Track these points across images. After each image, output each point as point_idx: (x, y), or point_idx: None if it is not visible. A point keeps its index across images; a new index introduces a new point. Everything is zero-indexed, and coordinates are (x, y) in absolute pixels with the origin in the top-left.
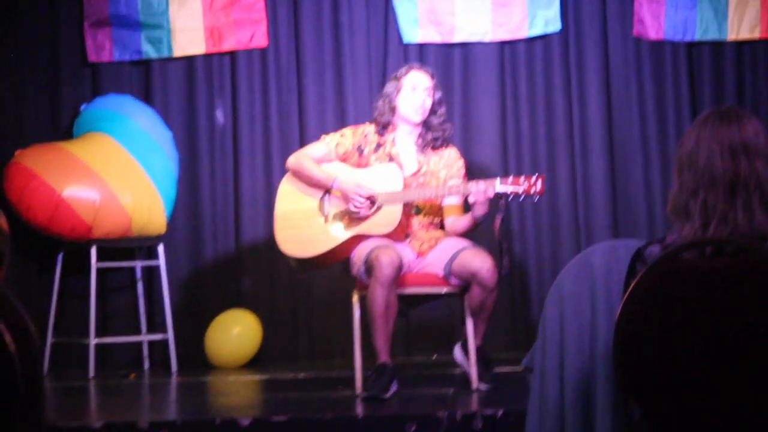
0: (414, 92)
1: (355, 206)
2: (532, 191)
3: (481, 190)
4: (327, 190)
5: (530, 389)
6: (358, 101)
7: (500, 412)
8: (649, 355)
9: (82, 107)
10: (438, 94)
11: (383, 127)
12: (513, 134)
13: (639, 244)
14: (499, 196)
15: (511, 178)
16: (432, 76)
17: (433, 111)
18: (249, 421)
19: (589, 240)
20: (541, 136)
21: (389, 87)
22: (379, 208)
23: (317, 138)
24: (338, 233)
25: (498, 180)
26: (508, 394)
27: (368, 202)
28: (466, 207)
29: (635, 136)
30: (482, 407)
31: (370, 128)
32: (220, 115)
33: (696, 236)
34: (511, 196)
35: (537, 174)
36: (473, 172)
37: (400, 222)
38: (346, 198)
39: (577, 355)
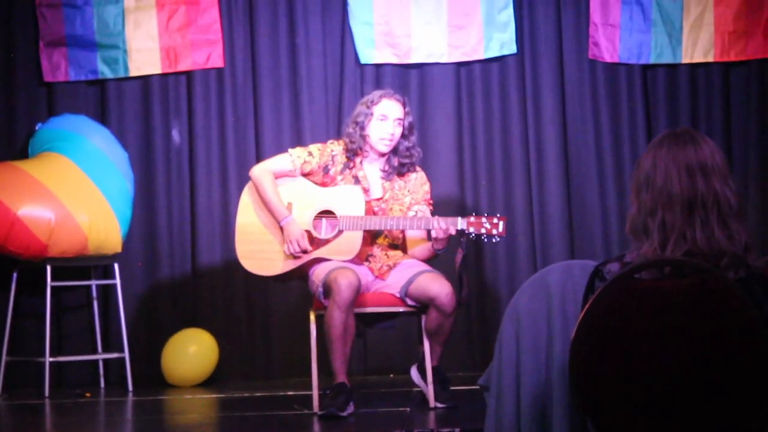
0: (383, 122)
1: (289, 250)
2: (493, 232)
3: (442, 228)
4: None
5: (487, 408)
6: (315, 121)
7: (457, 431)
8: (605, 373)
9: (38, 126)
10: (409, 120)
11: (353, 153)
12: (469, 155)
13: (595, 264)
14: (460, 234)
15: (473, 218)
16: (404, 104)
17: (403, 136)
18: None
19: (545, 260)
20: (497, 156)
21: (360, 114)
22: (340, 233)
23: (273, 156)
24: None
25: (459, 219)
26: (465, 413)
27: (306, 247)
28: (428, 234)
29: (590, 157)
30: (439, 426)
31: (338, 147)
32: (176, 135)
33: (655, 254)
34: (473, 236)
35: (499, 216)
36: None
37: (361, 247)
38: (286, 237)
39: (533, 373)
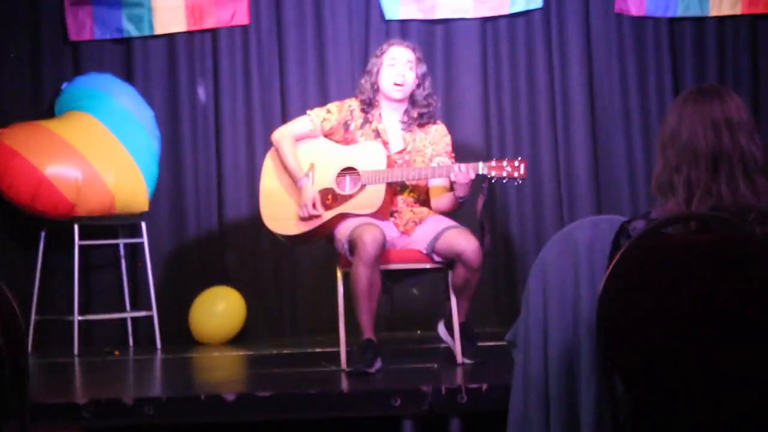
0: (393, 67)
1: (301, 213)
2: (515, 175)
3: (463, 173)
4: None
5: (514, 363)
6: (341, 78)
7: (484, 386)
8: (632, 329)
9: (64, 86)
10: (422, 68)
11: (368, 105)
12: (495, 110)
13: (622, 219)
14: (481, 179)
15: (494, 162)
16: (414, 50)
17: (417, 85)
18: (234, 396)
19: (572, 215)
20: (523, 112)
21: (371, 64)
22: (362, 187)
23: (299, 116)
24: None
25: (480, 163)
26: (493, 369)
27: (315, 212)
28: (452, 185)
29: (617, 112)
30: (466, 381)
31: (355, 103)
32: (202, 93)
33: (680, 211)
34: (494, 179)
35: (520, 158)
36: (456, 148)
37: (383, 201)
38: (301, 200)
39: (560, 329)
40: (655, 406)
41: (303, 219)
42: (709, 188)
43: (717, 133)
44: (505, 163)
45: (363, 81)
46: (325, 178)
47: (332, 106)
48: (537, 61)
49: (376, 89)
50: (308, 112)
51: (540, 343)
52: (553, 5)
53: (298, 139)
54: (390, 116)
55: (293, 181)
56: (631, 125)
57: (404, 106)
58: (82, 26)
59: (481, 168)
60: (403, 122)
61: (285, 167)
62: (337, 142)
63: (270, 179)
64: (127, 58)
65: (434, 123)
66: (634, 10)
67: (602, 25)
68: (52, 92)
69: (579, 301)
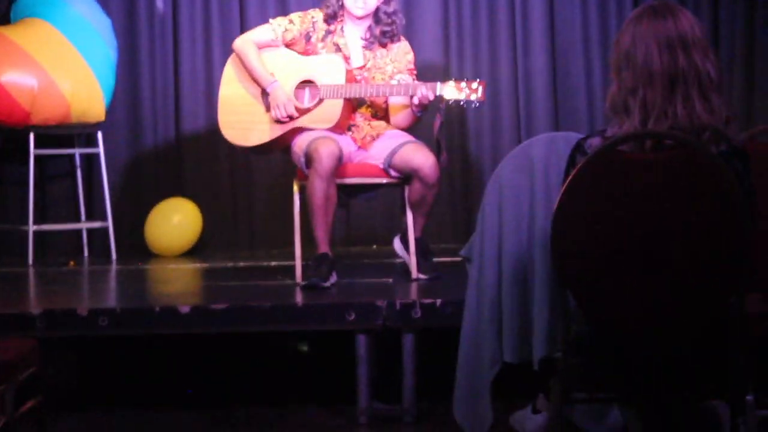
0: None
1: (276, 115)
2: (473, 98)
3: (421, 94)
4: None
5: (468, 279)
6: None
7: (439, 301)
8: (586, 244)
9: None
10: None
11: (331, 17)
12: (455, 29)
13: (579, 136)
14: (439, 100)
15: (452, 83)
16: None
17: (383, 2)
18: (188, 308)
19: (530, 134)
20: (483, 31)
21: None
22: (321, 101)
23: (257, 25)
24: (278, 125)
25: (439, 84)
26: (447, 284)
27: (293, 113)
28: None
29: (576, 28)
30: (421, 296)
31: (318, 15)
32: (160, 3)
33: (636, 131)
34: (452, 101)
35: (478, 80)
36: (416, 67)
37: (341, 115)
38: (273, 102)
39: (514, 244)
40: (606, 321)
41: (269, 127)
42: (665, 109)
43: (672, 53)
44: (463, 85)
45: None
46: (283, 89)
47: (295, 16)
48: None
49: (340, 4)
50: (270, 20)
51: (494, 258)
52: None
53: (260, 47)
54: (352, 32)
55: (261, 86)
56: (590, 40)
57: (368, 22)
58: None
59: (439, 89)
60: (365, 39)
61: (250, 73)
62: (297, 52)
63: (229, 87)
64: None
65: (397, 41)
66: None
67: None
68: None
69: (534, 217)
